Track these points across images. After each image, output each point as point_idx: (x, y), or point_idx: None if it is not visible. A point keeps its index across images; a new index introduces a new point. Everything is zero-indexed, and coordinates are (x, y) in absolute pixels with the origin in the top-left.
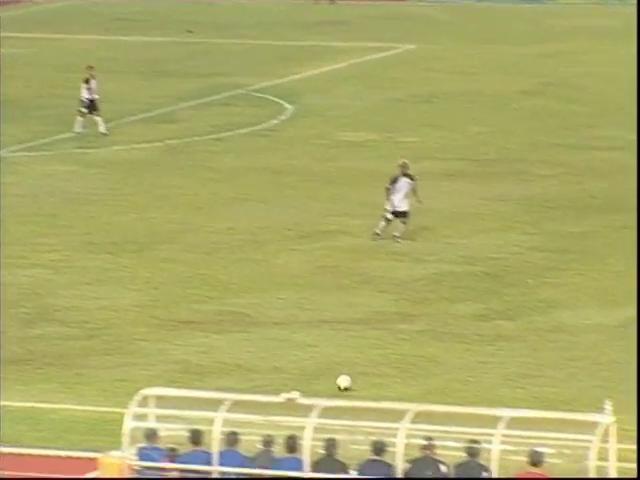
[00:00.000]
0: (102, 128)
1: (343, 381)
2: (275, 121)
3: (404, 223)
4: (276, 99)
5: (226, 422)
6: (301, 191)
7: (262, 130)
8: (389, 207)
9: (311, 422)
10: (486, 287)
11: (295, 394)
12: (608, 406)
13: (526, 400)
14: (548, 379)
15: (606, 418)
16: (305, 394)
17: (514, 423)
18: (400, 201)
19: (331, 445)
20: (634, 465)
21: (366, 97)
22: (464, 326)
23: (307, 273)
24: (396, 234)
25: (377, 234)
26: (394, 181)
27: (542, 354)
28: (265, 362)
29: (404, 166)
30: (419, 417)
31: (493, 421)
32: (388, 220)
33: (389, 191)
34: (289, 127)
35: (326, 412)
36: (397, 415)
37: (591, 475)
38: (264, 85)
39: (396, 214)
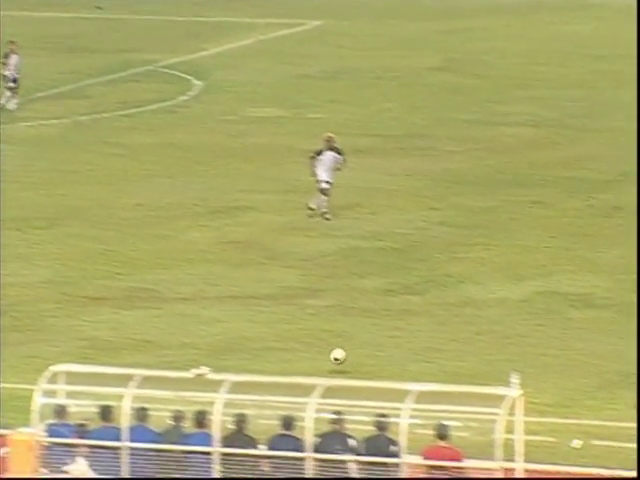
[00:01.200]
0: (10, 104)
1: (337, 354)
2: (184, 97)
3: (325, 195)
4: (185, 75)
5: (136, 398)
6: (210, 167)
7: (171, 106)
8: (319, 178)
9: (220, 397)
10: (394, 262)
11: (204, 369)
12: (515, 379)
13: (434, 374)
14: (456, 353)
15: (513, 391)
16: (214, 369)
17: (422, 397)
18: (323, 174)
19: (241, 420)
20: (541, 437)
21: (275, 73)
22: (372, 301)
23: (216, 249)
24: (312, 206)
25: (310, 208)
26: (318, 153)
27: (450, 328)
28: (174, 338)
29: (329, 140)
30: (328, 392)
31: (402, 395)
32: (324, 191)
33: (313, 162)
34: (198, 103)
35: (235, 387)
36: (306, 390)
37: (497, 447)
38: (173, 61)
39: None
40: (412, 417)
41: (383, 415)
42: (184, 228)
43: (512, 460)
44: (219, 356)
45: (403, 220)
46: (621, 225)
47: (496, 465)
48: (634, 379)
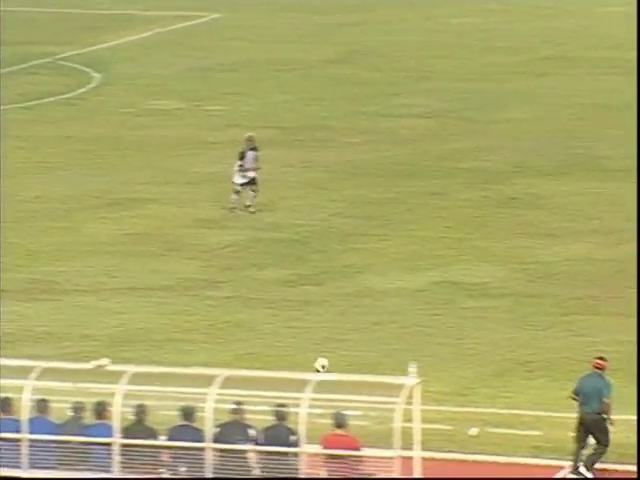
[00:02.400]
0: None
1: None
2: (83, 90)
3: (254, 191)
4: (84, 68)
5: (36, 390)
6: (110, 159)
7: (70, 99)
8: (237, 180)
9: (120, 389)
10: (293, 253)
11: (105, 361)
12: (412, 369)
13: (333, 364)
14: (354, 343)
15: (410, 380)
16: (114, 361)
17: (322, 387)
18: (248, 170)
19: (141, 411)
20: (438, 426)
21: (173, 66)
22: (272, 292)
23: (116, 241)
24: (248, 203)
25: (247, 206)
26: (242, 157)
27: (348, 318)
28: (75, 329)
29: (250, 140)
30: (228, 382)
31: (301, 385)
32: (238, 192)
33: (241, 167)
34: (97, 96)
35: (135, 378)
36: (207, 380)
37: (396, 436)
38: (72, 54)
39: (247, 184)
40: (311, 407)
41: (282, 405)
42: (83, 220)
43: (410, 448)
44: (119, 347)
45: (302, 212)
46: (516, 215)
47: (394, 453)
48: (529, 367)
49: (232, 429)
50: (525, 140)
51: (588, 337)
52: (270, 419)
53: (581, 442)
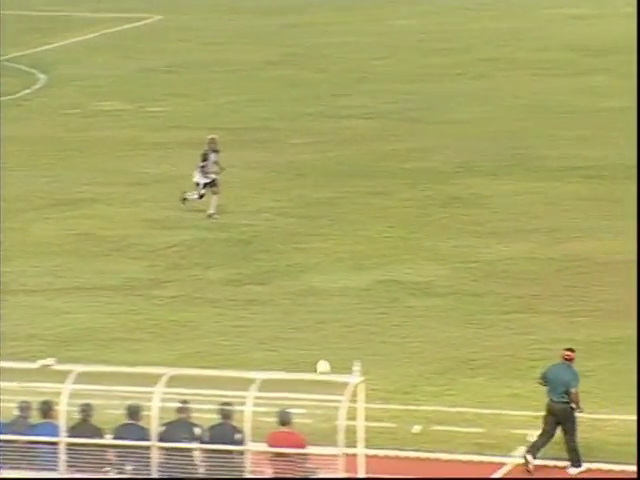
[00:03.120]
0: None
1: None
2: (28, 91)
3: (215, 193)
4: (29, 69)
5: None
6: (55, 160)
7: (15, 100)
8: (200, 181)
9: (67, 388)
10: (238, 253)
11: (50, 360)
12: (357, 367)
13: (278, 362)
14: (299, 342)
15: (355, 379)
16: (61, 360)
17: (267, 385)
18: (210, 173)
19: (86, 410)
20: (382, 423)
21: (117, 67)
22: (217, 291)
23: (62, 241)
24: (211, 211)
25: (210, 215)
26: (205, 158)
27: (293, 317)
28: (21, 329)
29: (212, 141)
30: (174, 381)
31: (246, 383)
32: (202, 196)
33: (203, 169)
34: (42, 97)
35: (82, 378)
36: (153, 379)
37: (340, 433)
38: (17, 55)
39: (208, 184)
40: (257, 405)
41: (228, 403)
42: (29, 220)
43: (354, 446)
44: (66, 347)
45: (247, 212)
46: (459, 215)
47: (338, 451)
48: (472, 365)
49: (178, 428)
50: (467, 140)
51: (529, 335)
52: (215, 418)
53: (548, 432)
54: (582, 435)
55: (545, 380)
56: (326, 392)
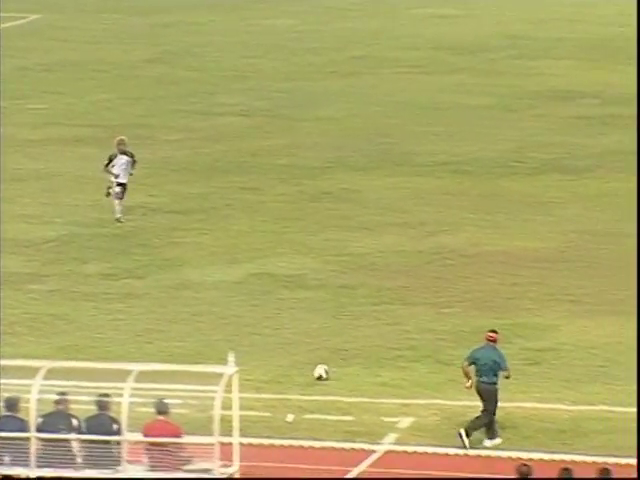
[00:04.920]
0: None
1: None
2: None
3: (120, 198)
4: None
5: None
6: None
7: None
8: (114, 180)
9: None
10: (115, 247)
11: None
12: (231, 358)
13: (154, 354)
14: (175, 334)
15: (229, 369)
16: None
17: (143, 377)
18: (118, 176)
19: None
20: (257, 413)
21: None
22: (94, 285)
23: None
24: (118, 215)
25: (118, 219)
26: (110, 160)
27: (169, 310)
28: None
29: (121, 143)
30: (52, 373)
31: (123, 375)
32: (118, 194)
33: (108, 170)
34: None
35: None
36: (31, 372)
37: (215, 423)
38: None
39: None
40: (134, 396)
41: (105, 395)
42: None
43: (229, 435)
44: None
45: (124, 207)
46: (330, 209)
47: (214, 440)
48: (343, 355)
49: (56, 419)
50: (338, 137)
51: (399, 325)
52: (93, 409)
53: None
54: (445, 422)
55: (474, 362)
56: (201, 383)
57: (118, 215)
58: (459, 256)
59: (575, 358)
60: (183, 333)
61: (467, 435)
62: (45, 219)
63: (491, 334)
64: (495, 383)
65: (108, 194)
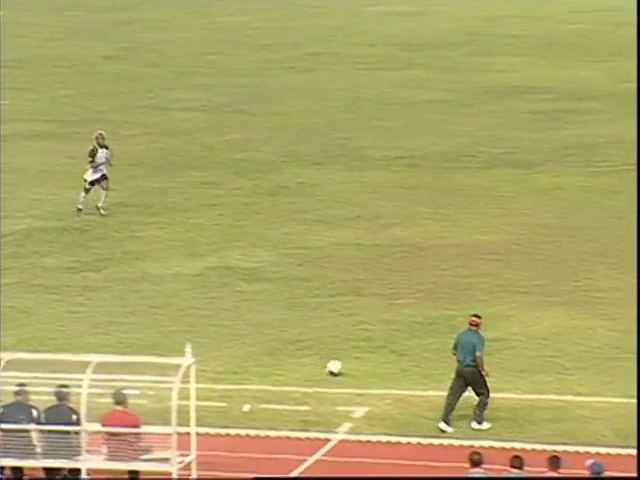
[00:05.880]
0: None
1: (333, 366)
2: None
3: (104, 189)
4: None
5: None
6: None
7: None
8: (88, 178)
9: None
10: (74, 241)
11: None
12: (189, 349)
13: (113, 346)
14: (134, 326)
15: (187, 360)
16: None
17: (102, 368)
18: (99, 166)
19: None
20: (213, 403)
21: None
22: (54, 278)
23: None
24: (100, 204)
25: (79, 209)
26: (93, 154)
27: (128, 302)
28: None
29: (100, 137)
30: (12, 365)
31: (82, 366)
32: (87, 190)
33: (92, 164)
34: None
35: None
36: None
37: (173, 413)
38: None
39: (97, 180)
40: (92, 387)
41: (64, 386)
42: None
43: (187, 425)
44: None
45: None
46: (286, 203)
47: (171, 430)
48: (298, 346)
49: (16, 410)
50: (294, 132)
51: (354, 316)
52: (52, 400)
53: (455, 394)
54: (399, 411)
55: (456, 348)
56: (159, 374)
57: (100, 204)
58: (413, 248)
59: (526, 348)
60: (142, 325)
61: (479, 423)
62: (4, 213)
63: (473, 318)
64: (475, 366)
65: (80, 210)
